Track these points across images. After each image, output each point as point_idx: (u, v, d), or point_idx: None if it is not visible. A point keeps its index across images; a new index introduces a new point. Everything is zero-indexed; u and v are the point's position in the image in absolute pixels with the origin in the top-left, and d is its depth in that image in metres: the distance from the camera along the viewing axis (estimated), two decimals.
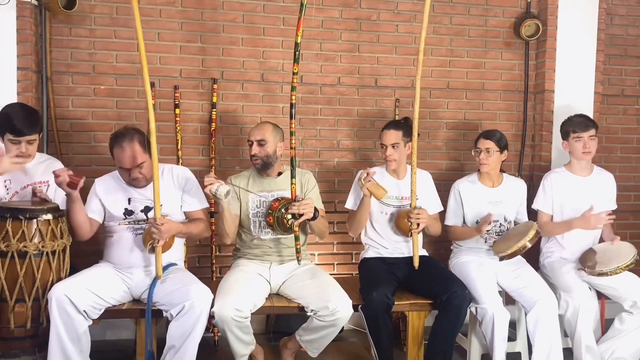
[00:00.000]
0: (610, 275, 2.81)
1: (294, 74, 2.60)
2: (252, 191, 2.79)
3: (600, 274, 2.83)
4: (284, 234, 2.78)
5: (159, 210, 2.49)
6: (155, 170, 2.46)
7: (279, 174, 2.87)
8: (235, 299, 2.47)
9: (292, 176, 2.65)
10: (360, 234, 3.10)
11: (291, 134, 2.67)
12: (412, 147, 2.81)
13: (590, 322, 2.81)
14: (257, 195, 2.80)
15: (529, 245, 2.83)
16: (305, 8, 2.50)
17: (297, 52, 2.56)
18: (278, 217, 2.66)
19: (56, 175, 2.44)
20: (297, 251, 2.69)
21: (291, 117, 2.65)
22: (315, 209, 2.65)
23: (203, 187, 2.59)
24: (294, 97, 2.64)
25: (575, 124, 3.07)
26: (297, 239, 2.66)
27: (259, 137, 2.78)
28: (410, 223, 2.82)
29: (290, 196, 2.71)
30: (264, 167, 2.80)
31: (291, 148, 2.66)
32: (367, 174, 2.76)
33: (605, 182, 3.17)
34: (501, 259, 2.91)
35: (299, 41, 2.55)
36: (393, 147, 2.93)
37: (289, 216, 2.61)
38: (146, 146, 2.59)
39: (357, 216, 2.94)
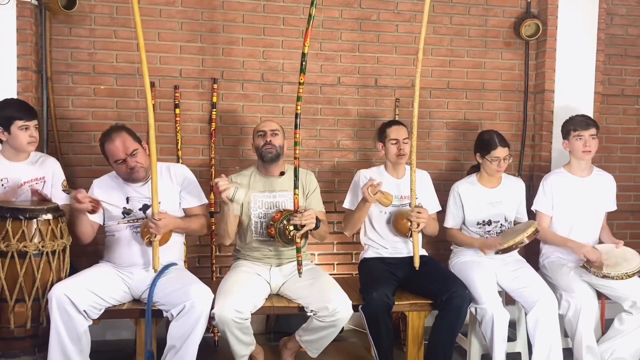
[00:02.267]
0: (616, 279, 2.80)
1: (299, 83, 2.53)
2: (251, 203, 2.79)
3: (605, 276, 2.82)
4: (285, 246, 2.75)
5: (157, 206, 2.49)
6: (154, 165, 2.46)
7: (281, 173, 2.87)
8: (236, 300, 2.47)
9: (296, 186, 2.60)
10: (356, 233, 3.10)
11: (296, 144, 2.59)
12: (411, 147, 2.81)
13: (591, 322, 2.81)
14: (261, 195, 2.81)
15: (526, 241, 2.82)
16: (313, 19, 2.43)
17: (303, 63, 2.49)
18: (280, 229, 2.63)
19: (77, 201, 2.43)
20: (299, 263, 2.63)
21: (296, 127, 2.57)
22: (317, 219, 2.63)
23: (217, 192, 2.53)
24: (299, 108, 2.56)
25: (576, 123, 3.08)
26: (299, 250, 2.62)
27: (272, 127, 2.81)
28: (410, 223, 2.81)
29: (291, 205, 2.69)
30: (275, 157, 2.79)
31: (295, 158, 2.60)
32: (373, 185, 2.70)
33: (605, 183, 3.17)
34: (496, 252, 2.90)
35: (306, 51, 2.47)
36: (404, 142, 2.95)
37: (291, 227, 2.58)
38: (134, 136, 2.64)
39: (355, 217, 2.93)
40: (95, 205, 2.51)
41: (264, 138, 2.79)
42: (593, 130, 3.05)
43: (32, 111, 2.71)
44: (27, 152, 2.73)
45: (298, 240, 2.59)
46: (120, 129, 2.63)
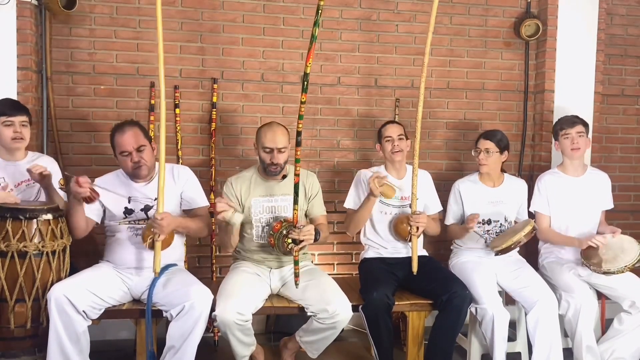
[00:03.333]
0: (617, 274, 2.79)
1: (302, 102, 2.43)
2: (253, 216, 2.77)
3: (606, 272, 2.81)
4: (283, 255, 2.74)
5: (162, 205, 2.48)
6: (162, 165, 2.46)
7: (283, 177, 2.84)
8: (237, 302, 2.47)
9: (295, 202, 2.55)
10: (358, 233, 3.10)
11: (297, 160, 2.50)
12: (414, 148, 2.80)
13: (591, 322, 2.81)
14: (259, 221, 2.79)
15: (524, 240, 2.82)
16: (316, 40, 2.34)
17: (305, 83, 2.39)
18: (279, 240, 2.61)
19: (78, 183, 2.41)
20: (296, 275, 2.61)
21: (298, 145, 2.49)
22: (317, 232, 2.61)
23: (215, 213, 2.56)
24: (300, 125, 2.47)
25: (562, 122, 3.12)
26: (296, 263, 2.59)
27: (281, 145, 2.70)
28: (409, 227, 2.81)
29: (291, 215, 2.68)
30: (279, 172, 2.77)
31: (296, 175, 2.51)
32: (379, 177, 2.73)
33: (599, 182, 3.16)
34: (496, 253, 2.89)
35: (308, 72, 2.38)
36: (399, 138, 2.96)
37: (290, 240, 2.56)
38: (145, 133, 2.64)
39: (358, 216, 2.93)
40: (93, 194, 2.46)
41: (271, 157, 2.71)
42: (579, 128, 3.06)
43: (17, 107, 2.70)
44: (15, 150, 2.70)
45: (295, 253, 2.56)
46: (134, 123, 2.65)
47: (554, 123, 3.21)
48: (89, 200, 2.47)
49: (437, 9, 3.56)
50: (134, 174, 2.65)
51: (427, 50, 2.75)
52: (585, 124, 3.10)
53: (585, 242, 2.91)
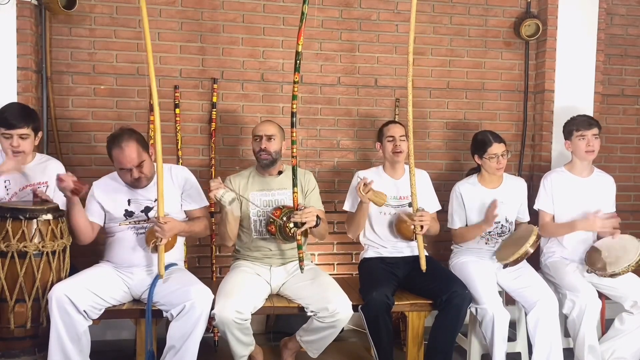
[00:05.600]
0: (623, 274, 2.80)
1: (294, 82, 2.51)
2: (251, 201, 2.78)
3: (613, 275, 2.81)
4: (285, 242, 2.76)
5: (163, 210, 2.48)
6: (160, 169, 2.46)
7: (279, 172, 2.87)
8: (236, 301, 2.47)
9: (294, 185, 2.61)
10: (359, 235, 3.10)
11: (293, 142, 2.59)
12: (409, 148, 2.80)
13: (594, 322, 2.81)
14: (256, 206, 2.79)
15: (531, 250, 2.82)
16: (306, 17, 2.42)
17: (297, 61, 2.49)
18: (280, 226, 2.64)
19: (60, 179, 2.42)
20: (300, 259, 2.64)
21: (293, 126, 2.56)
22: (317, 217, 2.64)
23: (208, 191, 2.58)
24: (295, 106, 2.54)
25: (578, 123, 3.08)
26: (299, 247, 2.62)
27: (269, 132, 2.77)
28: (413, 226, 2.80)
29: (290, 202, 2.69)
30: (271, 163, 2.79)
31: (292, 157, 2.60)
32: (365, 184, 2.71)
33: (605, 184, 3.16)
34: (505, 266, 2.90)
35: (300, 50, 2.47)
36: (401, 139, 2.96)
37: (291, 224, 2.60)
38: (144, 145, 2.60)
39: (355, 219, 2.93)
40: (78, 185, 2.44)
41: (260, 143, 2.77)
42: (595, 130, 3.06)
43: (18, 118, 2.57)
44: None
45: (299, 237, 2.60)
46: (131, 136, 2.55)
47: (564, 122, 3.17)
48: (76, 192, 2.45)
49: (436, 9, 3.64)
50: (133, 186, 2.65)
51: (410, 50, 2.74)
52: (600, 126, 3.10)
53: (596, 226, 2.91)
